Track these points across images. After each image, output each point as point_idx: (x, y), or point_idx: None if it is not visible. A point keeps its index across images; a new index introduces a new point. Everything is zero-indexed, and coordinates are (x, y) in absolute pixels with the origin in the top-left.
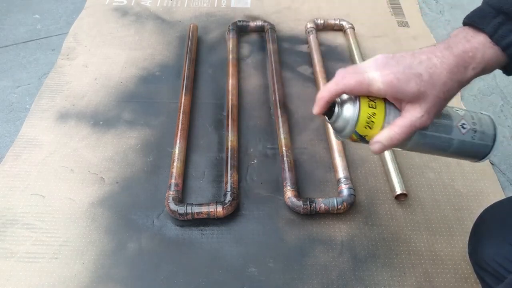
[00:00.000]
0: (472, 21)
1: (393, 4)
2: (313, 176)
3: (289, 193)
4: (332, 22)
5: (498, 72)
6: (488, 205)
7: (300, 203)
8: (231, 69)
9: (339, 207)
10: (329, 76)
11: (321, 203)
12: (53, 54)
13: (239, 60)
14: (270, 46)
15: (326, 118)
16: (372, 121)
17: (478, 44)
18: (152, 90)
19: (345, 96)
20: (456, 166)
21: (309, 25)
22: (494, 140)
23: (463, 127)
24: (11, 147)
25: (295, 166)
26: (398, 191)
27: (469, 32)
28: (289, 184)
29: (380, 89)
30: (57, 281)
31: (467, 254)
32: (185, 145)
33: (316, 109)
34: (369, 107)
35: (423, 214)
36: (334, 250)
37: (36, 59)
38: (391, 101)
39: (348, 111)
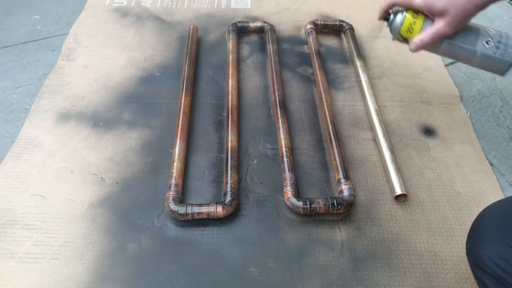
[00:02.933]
0: None
1: None
2: (313, 177)
3: (289, 193)
4: (332, 23)
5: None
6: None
7: (300, 203)
8: (231, 70)
9: (339, 207)
10: (329, 76)
11: (321, 204)
12: (53, 54)
13: (239, 61)
14: (270, 47)
15: (387, 23)
16: (412, 28)
17: None
18: (152, 91)
19: (399, 9)
20: (456, 167)
21: (309, 26)
22: None
23: (487, 43)
24: (12, 148)
25: (295, 167)
26: (398, 191)
27: None
28: (289, 184)
29: (419, 4)
30: (57, 281)
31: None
32: (185, 145)
33: (378, 15)
34: (412, 17)
35: (422, 214)
36: (334, 250)
37: (36, 60)
38: (429, 16)
39: (398, 18)
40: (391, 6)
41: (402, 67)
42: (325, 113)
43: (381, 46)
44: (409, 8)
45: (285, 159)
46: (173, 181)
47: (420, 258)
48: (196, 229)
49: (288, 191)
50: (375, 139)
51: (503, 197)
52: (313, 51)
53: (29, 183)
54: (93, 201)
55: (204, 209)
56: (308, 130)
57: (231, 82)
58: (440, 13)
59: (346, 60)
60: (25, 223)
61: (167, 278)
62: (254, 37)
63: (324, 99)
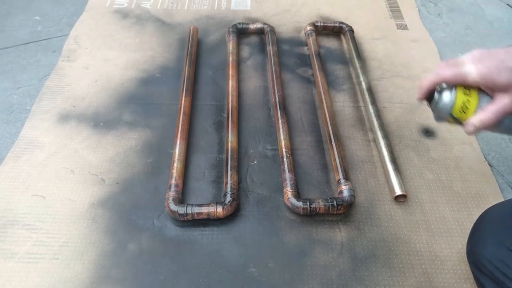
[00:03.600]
0: None
1: (392, 7)
2: (313, 177)
3: (289, 193)
4: (332, 24)
5: None
6: (488, 207)
7: (300, 203)
8: (231, 71)
9: (339, 208)
10: (328, 77)
11: (321, 204)
12: (54, 55)
13: (239, 62)
14: (270, 48)
15: (427, 102)
16: (467, 107)
17: None
18: (153, 92)
19: (444, 85)
20: (455, 168)
21: (309, 27)
22: None
23: None
24: (12, 148)
25: (295, 167)
26: (398, 192)
27: None
28: (289, 185)
29: (475, 80)
30: (57, 281)
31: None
32: (185, 146)
33: (419, 95)
34: (464, 94)
35: (422, 215)
36: (334, 251)
37: (37, 61)
38: (485, 90)
39: (446, 97)
40: (437, 84)
41: (401, 69)
42: (325, 114)
43: (381, 47)
44: (461, 84)
45: (285, 159)
46: (173, 182)
47: (419, 258)
48: (196, 229)
49: (288, 191)
50: (374, 140)
51: (502, 198)
52: (313, 53)
53: (30, 184)
54: (93, 201)
55: (204, 210)
56: (308, 131)
57: (231, 83)
58: (505, 88)
59: (345, 61)
60: (25, 223)
61: (167, 278)
62: (254, 39)
63: (324, 100)
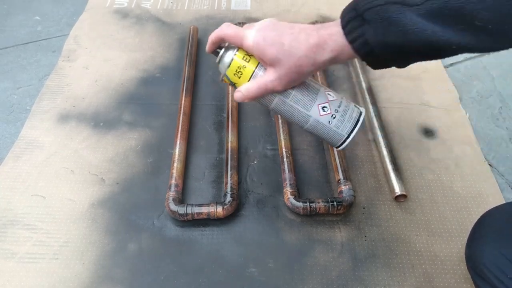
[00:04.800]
0: (342, 11)
1: None
2: (313, 177)
3: (289, 193)
4: None
5: (496, 75)
6: (487, 209)
7: (300, 203)
8: None
9: (339, 207)
10: (329, 78)
11: (321, 204)
12: (54, 55)
13: None
14: None
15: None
16: (241, 72)
17: (337, 31)
18: (153, 92)
19: (231, 45)
20: (455, 168)
21: None
22: (350, 132)
23: (323, 109)
24: (12, 148)
25: (295, 167)
26: (398, 192)
27: (339, 21)
28: (289, 184)
29: (249, 45)
30: (57, 281)
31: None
32: (185, 146)
33: (206, 47)
34: (243, 59)
35: (422, 215)
36: (334, 251)
37: (37, 61)
38: (260, 62)
39: (227, 56)
40: (220, 39)
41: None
42: None
43: None
44: (240, 48)
45: (285, 159)
46: (173, 182)
47: (419, 258)
48: (196, 229)
49: (288, 191)
50: (375, 140)
51: (502, 198)
52: None
53: (30, 184)
54: (93, 201)
55: (204, 210)
56: None
57: None
58: (272, 63)
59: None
60: (25, 224)
61: (167, 278)
62: None
63: None
